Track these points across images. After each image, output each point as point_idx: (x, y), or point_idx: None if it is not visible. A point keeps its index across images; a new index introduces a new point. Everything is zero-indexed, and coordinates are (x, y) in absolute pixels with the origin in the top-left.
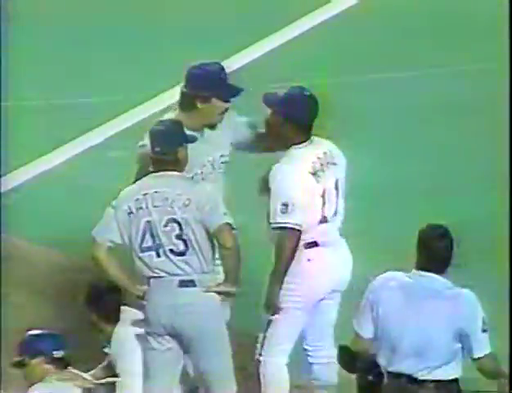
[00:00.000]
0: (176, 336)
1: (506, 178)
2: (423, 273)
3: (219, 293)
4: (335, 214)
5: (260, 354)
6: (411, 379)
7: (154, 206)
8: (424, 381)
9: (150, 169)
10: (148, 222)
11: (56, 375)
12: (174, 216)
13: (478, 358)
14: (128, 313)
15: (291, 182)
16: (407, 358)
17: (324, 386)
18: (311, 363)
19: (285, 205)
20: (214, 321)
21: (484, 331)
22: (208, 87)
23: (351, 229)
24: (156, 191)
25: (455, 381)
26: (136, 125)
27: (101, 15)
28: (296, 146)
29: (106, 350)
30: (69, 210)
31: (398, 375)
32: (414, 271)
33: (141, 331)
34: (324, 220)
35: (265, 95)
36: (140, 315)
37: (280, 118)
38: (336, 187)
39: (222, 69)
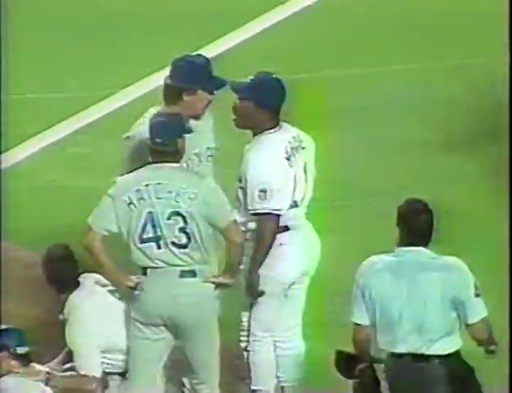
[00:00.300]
0: (172, 325)
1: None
2: (407, 248)
3: (216, 284)
4: (303, 198)
5: (247, 342)
6: (415, 356)
7: (158, 198)
8: (428, 356)
9: (150, 159)
10: (150, 213)
11: (20, 370)
12: (178, 209)
13: (473, 324)
14: (88, 280)
15: (267, 167)
16: (408, 335)
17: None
18: (276, 355)
19: (264, 191)
20: (210, 312)
21: (477, 295)
22: (194, 79)
23: None
24: (159, 183)
25: (458, 353)
26: (96, 121)
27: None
28: (267, 132)
29: (60, 316)
30: (29, 206)
31: (402, 355)
32: (397, 249)
33: (101, 299)
34: (294, 205)
35: (232, 82)
36: (101, 283)
37: (250, 103)
38: (305, 171)
39: (208, 61)
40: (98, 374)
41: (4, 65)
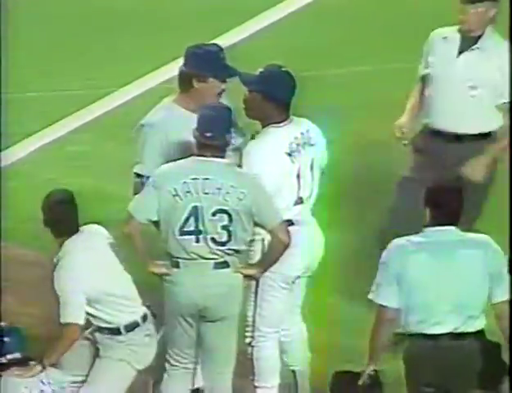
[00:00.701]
0: (202, 316)
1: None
2: (437, 227)
3: (245, 275)
4: (310, 195)
5: (251, 338)
6: (453, 336)
7: (205, 193)
8: (465, 334)
9: (195, 151)
10: (195, 207)
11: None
12: (226, 207)
13: (502, 301)
14: (88, 229)
15: (263, 163)
16: (447, 315)
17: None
18: (282, 342)
19: None
20: (237, 303)
21: (509, 273)
22: (206, 66)
23: None
24: (207, 178)
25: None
26: (95, 119)
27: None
28: (274, 125)
29: (54, 259)
30: (28, 204)
31: (437, 336)
32: (426, 229)
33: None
34: (299, 201)
35: (242, 74)
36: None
37: (258, 96)
38: (311, 168)
39: (221, 49)
40: (81, 322)
41: (4, 63)
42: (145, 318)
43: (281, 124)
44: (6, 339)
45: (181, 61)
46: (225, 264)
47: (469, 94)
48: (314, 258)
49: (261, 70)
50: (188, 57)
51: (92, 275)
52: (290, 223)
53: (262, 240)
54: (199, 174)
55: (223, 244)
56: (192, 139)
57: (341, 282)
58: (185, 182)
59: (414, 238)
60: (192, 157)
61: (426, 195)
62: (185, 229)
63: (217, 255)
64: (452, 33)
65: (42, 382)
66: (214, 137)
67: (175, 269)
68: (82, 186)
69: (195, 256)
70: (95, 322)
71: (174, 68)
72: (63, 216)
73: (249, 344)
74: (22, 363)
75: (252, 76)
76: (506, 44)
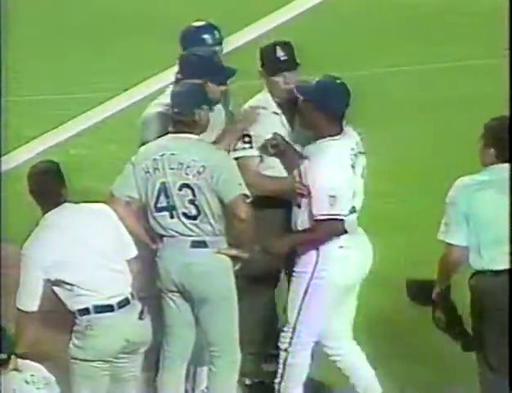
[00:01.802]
0: (185, 293)
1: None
2: (501, 165)
3: (229, 256)
4: (359, 204)
5: (289, 344)
6: None
7: (171, 169)
8: None
9: (170, 129)
10: (163, 183)
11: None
12: (188, 182)
13: None
14: (71, 204)
15: (336, 174)
16: None
17: None
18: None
19: (333, 197)
20: (224, 282)
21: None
22: (201, 72)
23: None
24: (173, 154)
25: None
26: (98, 123)
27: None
28: (332, 138)
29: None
30: (30, 208)
31: (503, 271)
32: (489, 167)
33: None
34: (353, 210)
35: (298, 85)
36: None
37: (310, 106)
38: (362, 176)
39: (215, 52)
40: (33, 309)
41: (4, 67)
42: (102, 307)
43: (337, 137)
44: None
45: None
46: (203, 244)
47: None
48: (366, 268)
49: (317, 79)
50: (182, 65)
51: (53, 255)
52: (344, 231)
53: (317, 249)
54: (167, 150)
55: (194, 218)
56: None
57: None
58: (154, 159)
59: (478, 176)
60: (167, 134)
61: (486, 133)
62: (158, 205)
63: (194, 232)
64: None
65: (26, 382)
66: (181, 112)
67: (160, 244)
68: (84, 189)
69: (173, 233)
70: (56, 286)
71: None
72: (45, 187)
73: (285, 349)
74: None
75: (307, 85)
76: None
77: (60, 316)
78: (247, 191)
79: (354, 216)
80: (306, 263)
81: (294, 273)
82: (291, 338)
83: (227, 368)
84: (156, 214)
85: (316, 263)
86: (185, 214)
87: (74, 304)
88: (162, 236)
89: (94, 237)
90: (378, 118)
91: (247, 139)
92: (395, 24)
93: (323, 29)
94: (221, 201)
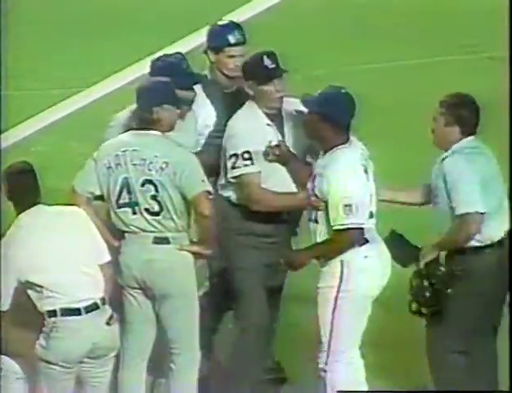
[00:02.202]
0: (146, 289)
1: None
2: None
3: (192, 253)
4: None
5: (325, 363)
6: None
7: (133, 164)
8: None
9: (133, 125)
10: (125, 179)
11: None
12: (150, 178)
13: None
14: (43, 206)
15: (350, 182)
16: None
17: None
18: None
19: (348, 206)
20: (186, 278)
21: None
22: (170, 78)
23: None
24: (135, 150)
25: None
26: (59, 121)
27: None
28: (341, 146)
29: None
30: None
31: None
32: (461, 142)
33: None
34: (370, 216)
35: (302, 97)
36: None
37: (315, 117)
38: (374, 181)
39: (183, 58)
40: (5, 308)
41: None
42: (69, 310)
43: (346, 145)
44: None
45: (147, 61)
46: (165, 240)
47: None
48: (387, 276)
49: (320, 91)
50: (152, 71)
51: (24, 256)
52: (366, 241)
53: (341, 261)
54: (129, 146)
55: (157, 214)
56: None
57: None
58: (116, 155)
59: (467, 144)
60: (130, 131)
61: (450, 112)
62: (120, 202)
63: (156, 228)
64: None
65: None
66: (142, 109)
67: (122, 241)
68: (44, 188)
69: (135, 229)
70: (27, 287)
71: (140, 68)
72: (19, 187)
73: (323, 370)
74: None
75: (311, 98)
76: None
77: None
78: (210, 188)
79: (372, 221)
80: (331, 276)
81: (319, 289)
82: (327, 356)
83: (187, 365)
84: (118, 210)
85: (342, 276)
86: (147, 210)
87: (43, 306)
88: (124, 232)
89: (66, 241)
90: None
91: (247, 156)
92: (353, 23)
93: (282, 28)
94: (184, 198)
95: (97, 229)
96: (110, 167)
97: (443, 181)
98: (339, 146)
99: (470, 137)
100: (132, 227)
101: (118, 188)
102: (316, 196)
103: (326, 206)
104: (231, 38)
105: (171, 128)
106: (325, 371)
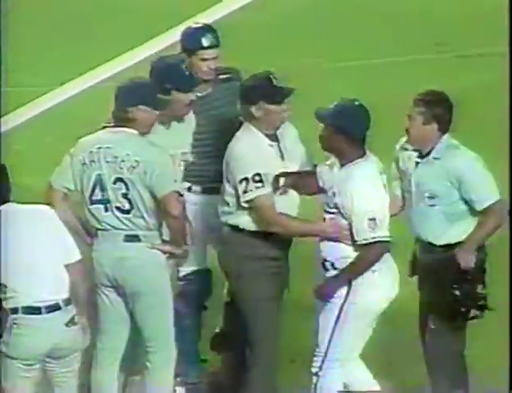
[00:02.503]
0: (119, 288)
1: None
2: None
3: (164, 252)
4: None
5: (319, 368)
6: None
7: (106, 162)
8: None
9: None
10: (99, 175)
11: None
12: (121, 176)
13: None
14: (10, 205)
15: (373, 196)
16: None
17: None
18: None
19: (373, 219)
20: (157, 276)
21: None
22: (168, 79)
23: None
24: (109, 147)
25: None
26: (32, 118)
27: None
28: (358, 160)
29: None
30: None
31: None
32: (443, 138)
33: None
34: None
35: (317, 110)
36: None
37: (333, 130)
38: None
39: (183, 60)
40: None
41: None
42: (30, 309)
43: (364, 158)
44: None
45: (123, 57)
46: (136, 238)
47: None
48: (395, 291)
49: (335, 103)
50: (151, 72)
51: None
52: (387, 250)
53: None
54: (103, 143)
55: (128, 212)
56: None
57: None
58: (91, 152)
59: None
60: (106, 128)
61: (428, 110)
62: (94, 198)
63: (128, 226)
64: None
65: None
66: (118, 107)
67: (95, 238)
68: (16, 185)
69: (107, 226)
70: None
71: (116, 66)
72: None
73: (316, 374)
74: None
75: (326, 110)
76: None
77: None
78: (180, 189)
79: None
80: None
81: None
82: (322, 362)
83: (163, 363)
84: (91, 207)
85: (350, 288)
86: (118, 208)
87: (7, 304)
88: (97, 229)
89: (32, 240)
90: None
91: (257, 178)
92: (326, 22)
93: (255, 26)
94: (154, 197)
95: (72, 225)
96: (84, 163)
97: (450, 181)
98: (357, 160)
99: (447, 135)
100: (104, 224)
101: (91, 185)
102: (327, 211)
103: (349, 224)
104: (204, 41)
105: (148, 129)
106: (317, 376)
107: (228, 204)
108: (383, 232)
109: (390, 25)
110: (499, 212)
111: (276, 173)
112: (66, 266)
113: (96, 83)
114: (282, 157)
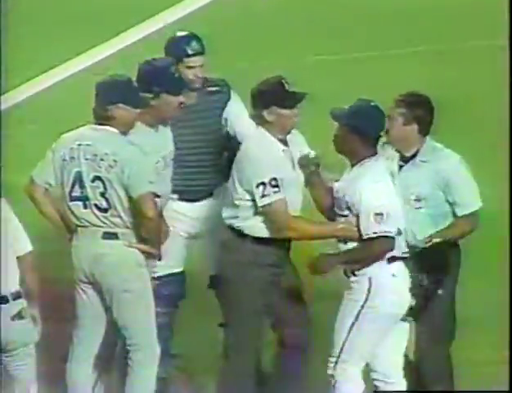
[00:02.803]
0: (97, 285)
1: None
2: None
3: (142, 252)
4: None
5: (334, 369)
6: None
7: (85, 159)
8: None
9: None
10: (78, 172)
11: None
12: (99, 174)
13: None
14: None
15: (382, 192)
16: None
17: None
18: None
19: (380, 214)
20: (135, 274)
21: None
22: (157, 82)
23: None
24: (89, 145)
25: None
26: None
27: None
28: (372, 158)
29: None
30: None
31: None
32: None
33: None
34: (399, 232)
35: (332, 110)
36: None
37: (345, 130)
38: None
39: (172, 63)
40: None
41: None
42: None
43: (375, 158)
44: None
45: (95, 50)
46: (114, 236)
47: None
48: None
49: (351, 104)
50: (139, 75)
51: None
52: (395, 258)
53: (369, 278)
54: (84, 140)
55: (105, 210)
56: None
57: None
58: (71, 148)
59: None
60: (88, 125)
61: (410, 110)
62: (73, 194)
63: (106, 223)
64: None
65: None
66: (97, 105)
67: (74, 235)
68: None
69: (85, 223)
70: None
71: (86, 60)
72: None
73: (331, 376)
74: None
75: (341, 110)
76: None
77: None
78: (156, 190)
79: (401, 238)
80: (358, 290)
81: (345, 296)
82: (336, 363)
83: (146, 361)
84: (70, 203)
85: (369, 291)
86: (96, 206)
87: None
88: (76, 225)
89: None
90: None
91: (274, 183)
92: (301, 16)
93: (230, 19)
94: (130, 196)
95: (53, 220)
96: (65, 159)
97: (437, 183)
98: (367, 159)
99: (428, 137)
100: (83, 220)
101: (71, 181)
102: (339, 214)
103: (357, 220)
104: (189, 49)
105: (127, 127)
106: (332, 376)
107: (238, 207)
108: (389, 228)
109: (381, 18)
110: (476, 219)
111: (288, 178)
112: (17, 258)
113: (77, 73)
114: (293, 163)
